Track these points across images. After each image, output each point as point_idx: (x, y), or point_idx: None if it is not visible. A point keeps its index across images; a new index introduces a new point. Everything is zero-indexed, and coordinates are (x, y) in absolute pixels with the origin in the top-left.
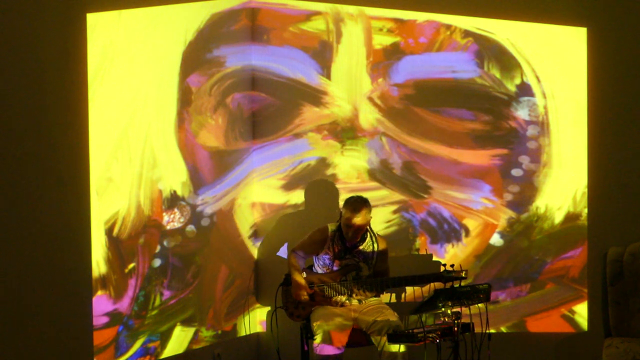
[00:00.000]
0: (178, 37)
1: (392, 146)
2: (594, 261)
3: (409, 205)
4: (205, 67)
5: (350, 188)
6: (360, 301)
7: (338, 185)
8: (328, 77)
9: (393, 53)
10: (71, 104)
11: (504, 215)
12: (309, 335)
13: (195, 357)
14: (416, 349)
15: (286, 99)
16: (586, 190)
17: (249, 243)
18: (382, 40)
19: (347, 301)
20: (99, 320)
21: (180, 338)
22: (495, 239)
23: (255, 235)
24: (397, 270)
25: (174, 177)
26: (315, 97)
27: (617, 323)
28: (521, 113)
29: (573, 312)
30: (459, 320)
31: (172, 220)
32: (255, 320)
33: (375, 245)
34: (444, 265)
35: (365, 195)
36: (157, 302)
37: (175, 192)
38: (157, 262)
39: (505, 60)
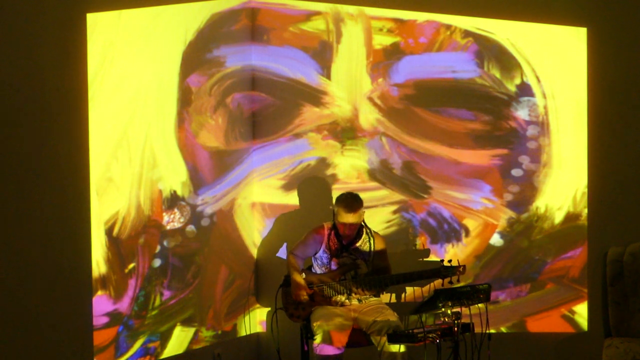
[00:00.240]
0: (178, 37)
1: (392, 146)
2: (594, 261)
3: (409, 205)
4: (205, 67)
5: (351, 188)
6: (360, 300)
7: (338, 185)
8: (328, 77)
9: (393, 53)
10: (71, 104)
11: (504, 215)
12: (309, 335)
13: (195, 357)
14: (416, 349)
15: (286, 99)
16: (586, 190)
17: (249, 243)
18: (382, 40)
19: (347, 300)
20: (99, 320)
21: (180, 338)
22: (495, 239)
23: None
24: (395, 268)
25: (174, 177)
26: (315, 97)
27: (617, 323)
28: (521, 113)
29: (573, 312)
30: (459, 321)
31: (172, 220)
32: (255, 320)
33: (372, 242)
34: (442, 260)
35: (365, 195)
36: (157, 302)
37: (175, 192)
38: (157, 262)
39: (505, 60)
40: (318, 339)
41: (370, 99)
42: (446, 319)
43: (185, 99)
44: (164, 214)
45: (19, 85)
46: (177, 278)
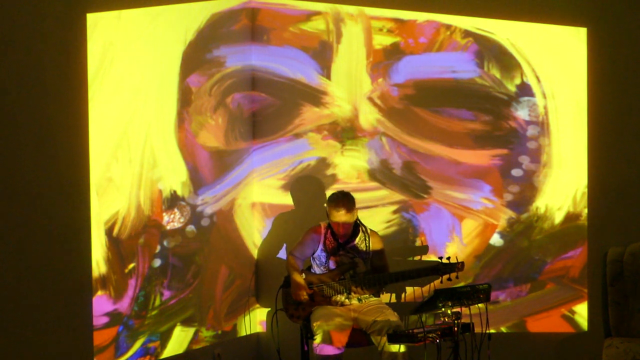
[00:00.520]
0: (178, 37)
1: (392, 146)
2: (594, 261)
3: (409, 205)
4: (205, 67)
5: (351, 188)
6: (360, 300)
7: (338, 185)
8: (328, 77)
9: (393, 53)
10: (71, 104)
11: (504, 216)
12: (309, 335)
13: (195, 357)
14: (416, 349)
15: (286, 99)
16: (586, 190)
17: (249, 243)
18: (382, 40)
19: (347, 300)
20: (99, 320)
21: (180, 338)
22: (495, 239)
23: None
24: (394, 266)
25: (174, 177)
26: (315, 97)
27: (617, 323)
28: (521, 113)
29: (573, 312)
30: (459, 321)
31: (172, 220)
32: (256, 320)
33: (368, 240)
34: (440, 258)
35: (365, 195)
36: (157, 302)
37: (175, 192)
38: (157, 262)
39: (505, 61)
40: (318, 339)
41: (370, 99)
42: (446, 319)
43: (185, 99)
44: (164, 214)
45: (19, 85)
46: (177, 278)
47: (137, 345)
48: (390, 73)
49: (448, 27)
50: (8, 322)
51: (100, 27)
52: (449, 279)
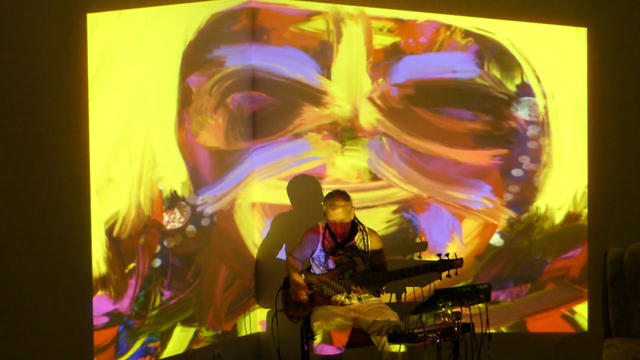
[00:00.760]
0: (178, 37)
1: (392, 146)
2: (594, 261)
3: (409, 205)
4: (205, 67)
5: (351, 188)
6: (360, 300)
7: (338, 186)
8: (328, 77)
9: (393, 53)
10: (71, 104)
11: (504, 216)
12: (309, 335)
13: (195, 357)
14: (416, 349)
15: (286, 99)
16: (586, 190)
17: (249, 243)
18: (382, 40)
19: (347, 300)
20: (99, 320)
21: (180, 338)
22: (496, 239)
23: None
24: (394, 264)
25: (174, 177)
26: (315, 97)
27: (617, 323)
28: (521, 113)
29: (573, 312)
30: (459, 321)
31: (172, 220)
32: (256, 320)
33: (367, 239)
34: (439, 255)
35: (365, 195)
36: (157, 302)
37: (175, 192)
38: (157, 262)
39: (505, 60)
40: (318, 339)
41: (371, 99)
42: (446, 319)
43: (185, 99)
44: (164, 214)
45: (19, 85)
46: (177, 278)
47: (137, 345)
48: (390, 73)
49: (448, 27)
50: (8, 322)
51: (100, 27)
52: (448, 276)
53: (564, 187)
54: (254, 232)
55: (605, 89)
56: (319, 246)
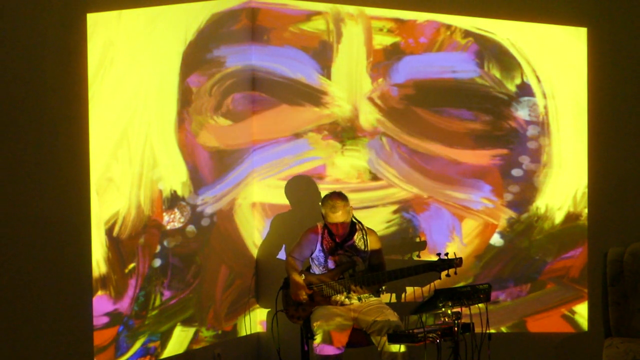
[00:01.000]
0: (178, 37)
1: (392, 146)
2: (594, 261)
3: (409, 205)
4: (205, 67)
5: (351, 188)
6: (360, 299)
7: (338, 186)
8: (328, 77)
9: (393, 53)
10: (71, 104)
11: (504, 215)
12: (309, 335)
13: (195, 357)
14: (416, 349)
15: (286, 99)
16: (586, 190)
17: (249, 243)
18: (382, 40)
19: (347, 299)
20: (99, 320)
21: (180, 338)
22: (496, 239)
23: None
24: (393, 264)
25: (174, 177)
26: (315, 97)
27: (617, 323)
28: (521, 113)
29: (573, 312)
30: (459, 321)
31: (172, 220)
32: (256, 320)
33: (366, 238)
34: (439, 254)
35: (365, 195)
36: (157, 302)
37: (175, 192)
38: (157, 262)
39: (505, 60)
40: (318, 339)
41: (371, 99)
42: (446, 319)
43: (185, 99)
44: (164, 214)
45: (19, 85)
46: (177, 278)
47: (137, 345)
48: (390, 73)
49: (448, 27)
50: (8, 322)
51: (100, 27)
52: (448, 275)
53: (564, 187)
54: (254, 232)
55: (605, 89)
56: (318, 246)
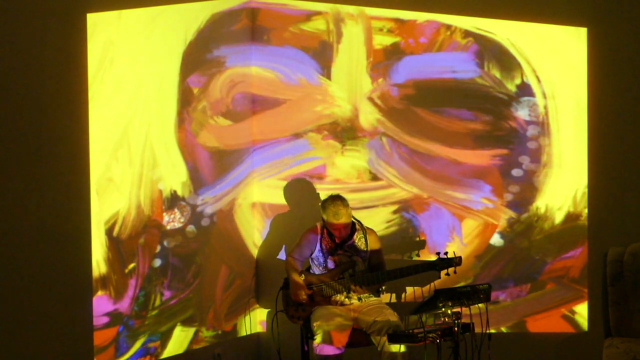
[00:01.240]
0: (178, 37)
1: (392, 146)
2: (594, 261)
3: (409, 205)
4: (205, 67)
5: (351, 188)
6: (360, 299)
7: (338, 186)
8: (328, 77)
9: (393, 53)
10: (71, 104)
11: (504, 216)
12: (309, 335)
13: (195, 357)
14: (416, 349)
15: (286, 99)
16: (586, 190)
17: (249, 243)
18: (383, 40)
19: (347, 299)
20: (99, 320)
21: (180, 338)
22: (496, 239)
23: None
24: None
25: (174, 177)
26: (315, 97)
27: (617, 323)
28: (521, 113)
29: (573, 312)
30: (459, 321)
31: (172, 220)
32: (256, 320)
33: (366, 239)
34: (438, 253)
35: (365, 195)
36: (157, 302)
37: (175, 192)
38: (157, 262)
39: (505, 60)
40: (318, 339)
41: (371, 99)
42: (446, 319)
43: (185, 99)
44: (164, 214)
45: (19, 85)
46: (177, 278)
47: (137, 345)
48: (390, 73)
49: (448, 27)
50: (8, 322)
51: (100, 27)
52: (447, 274)
53: (564, 187)
54: (254, 232)
55: (605, 89)
56: (318, 246)
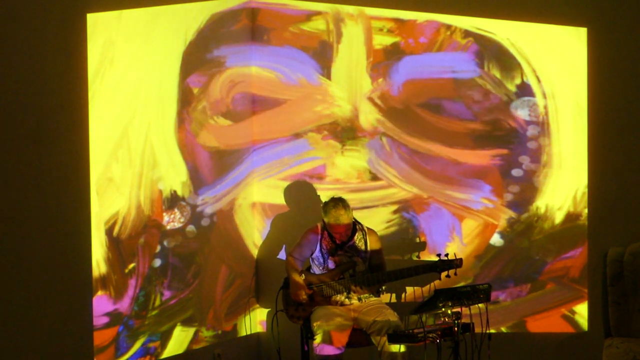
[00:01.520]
0: (178, 37)
1: (393, 146)
2: (594, 261)
3: (409, 205)
4: (206, 67)
5: (351, 188)
6: (360, 299)
7: (338, 186)
8: (328, 77)
9: (393, 53)
10: (71, 104)
11: (504, 216)
12: (309, 335)
13: (195, 357)
14: (416, 349)
15: (286, 99)
16: (586, 190)
17: (249, 243)
18: (382, 40)
19: (347, 299)
20: (99, 320)
21: (180, 338)
22: (496, 239)
23: None
24: (393, 264)
25: (174, 177)
26: (315, 97)
27: (617, 323)
28: (521, 113)
29: (573, 312)
30: (459, 321)
31: (172, 220)
32: (256, 320)
33: (366, 239)
34: (439, 255)
35: (365, 195)
36: (158, 302)
37: (175, 192)
38: (157, 262)
39: (505, 60)
40: (318, 339)
41: (370, 99)
42: (446, 319)
43: (185, 99)
44: (164, 214)
45: (19, 85)
46: (177, 278)
47: (137, 345)
48: (390, 73)
49: (448, 27)
50: (8, 322)
51: (100, 27)
52: (448, 276)
53: (564, 187)
54: (254, 232)
55: (605, 89)
56: (318, 247)
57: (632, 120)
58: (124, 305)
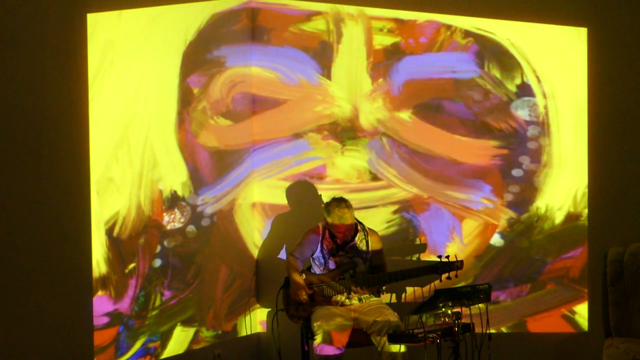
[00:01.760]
0: (178, 37)
1: (393, 146)
2: (594, 261)
3: (409, 205)
4: (206, 67)
5: (351, 188)
6: (360, 300)
7: (338, 186)
8: (328, 77)
9: (393, 53)
10: (71, 104)
11: (504, 216)
12: (309, 335)
13: (195, 357)
14: (416, 349)
15: (286, 99)
16: (586, 190)
17: (249, 243)
18: (383, 41)
19: (347, 300)
20: (99, 320)
21: (180, 338)
22: (496, 239)
23: None
24: (394, 265)
25: (174, 177)
26: (315, 97)
27: (618, 323)
28: (521, 113)
29: (573, 312)
30: (459, 321)
31: (173, 220)
32: (256, 320)
33: (368, 239)
34: (440, 256)
35: (365, 195)
36: (158, 302)
37: (175, 192)
38: (157, 262)
39: (505, 61)
40: (318, 339)
41: (371, 99)
42: (446, 319)
43: (185, 99)
44: (164, 214)
45: (19, 86)
46: (178, 278)
47: (138, 345)
48: (390, 73)
49: (448, 27)
50: (8, 322)
51: (100, 27)
52: (449, 278)
53: (564, 187)
54: (254, 232)
55: (605, 89)
56: (319, 247)
57: (632, 120)
58: (124, 305)
